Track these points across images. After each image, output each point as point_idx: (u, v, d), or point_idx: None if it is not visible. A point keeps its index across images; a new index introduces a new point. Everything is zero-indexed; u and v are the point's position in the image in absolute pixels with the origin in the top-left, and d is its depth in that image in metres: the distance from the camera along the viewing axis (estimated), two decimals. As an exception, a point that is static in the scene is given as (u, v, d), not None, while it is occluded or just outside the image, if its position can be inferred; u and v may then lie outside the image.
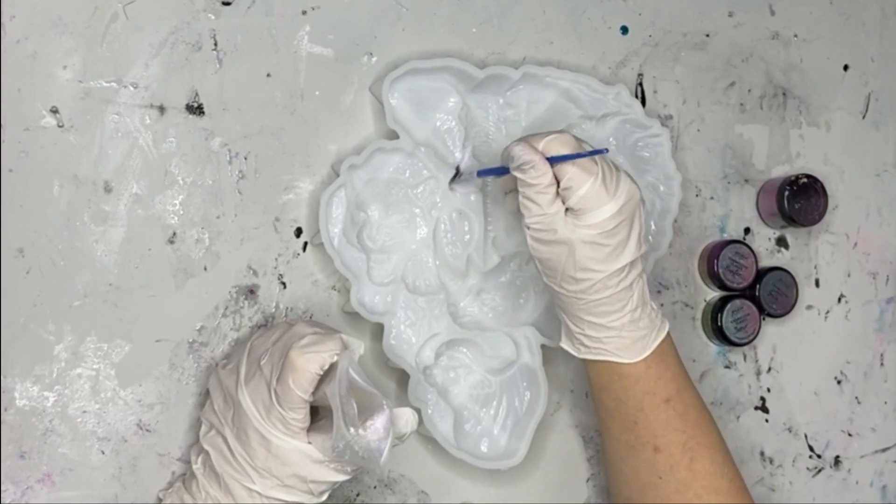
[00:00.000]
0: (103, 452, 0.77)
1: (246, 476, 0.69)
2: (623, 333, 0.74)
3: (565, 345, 0.77)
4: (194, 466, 0.73)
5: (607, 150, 0.72)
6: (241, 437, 0.69)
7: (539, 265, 0.74)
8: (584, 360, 0.77)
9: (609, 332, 0.74)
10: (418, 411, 0.80)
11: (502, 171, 0.75)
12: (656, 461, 0.76)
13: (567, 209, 0.71)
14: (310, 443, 0.68)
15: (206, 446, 0.72)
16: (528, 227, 0.72)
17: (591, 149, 0.71)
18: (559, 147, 0.71)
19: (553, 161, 0.71)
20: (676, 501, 0.76)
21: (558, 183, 0.71)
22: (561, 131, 0.72)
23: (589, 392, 0.79)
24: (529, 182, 0.71)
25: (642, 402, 0.76)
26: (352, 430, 0.65)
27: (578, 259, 0.71)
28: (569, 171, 0.70)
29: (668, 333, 0.76)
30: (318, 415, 0.70)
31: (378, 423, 0.66)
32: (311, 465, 0.68)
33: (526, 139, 0.72)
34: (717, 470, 0.76)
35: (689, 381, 0.78)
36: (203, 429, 0.74)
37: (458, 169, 0.83)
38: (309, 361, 0.66)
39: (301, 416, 0.67)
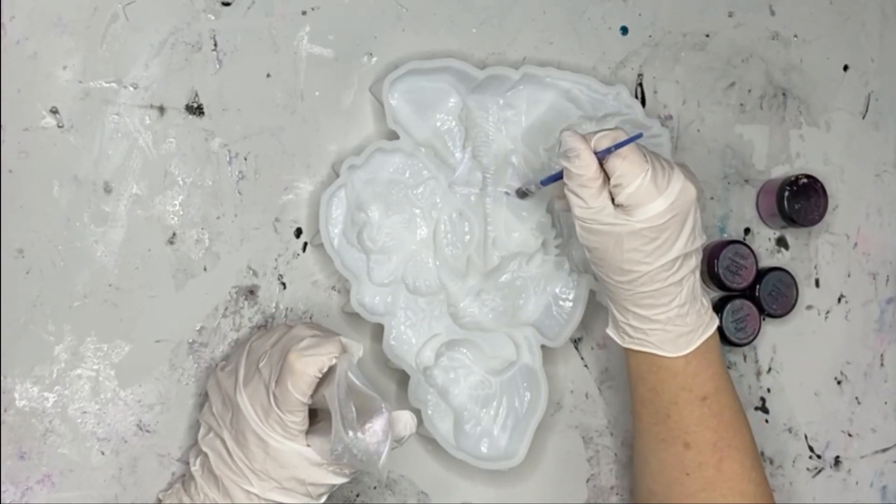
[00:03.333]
0: (103, 453, 0.77)
1: (244, 478, 0.69)
2: (668, 328, 0.74)
3: (611, 332, 0.78)
4: (193, 468, 0.73)
5: (641, 135, 0.70)
6: (239, 439, 0.69)
7: (588, 253, 0.74)
8: (625, 349, 0.77)
9: (654, 324, 0.74)
10: (418, 412, 0.80)
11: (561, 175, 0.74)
12: (685, 457, 0.76)
13: (617, 205, 0.70)
14: (308, 445, 0.68)
15: (204, 448, 0.72)
16: (576, 218, 0.72)
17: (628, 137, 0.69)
18: (608, 144, 0.70)
19: (601, 155, 0.69)
20: (701, 499, 0.75)
21: (608, 179, 0.70)
22: (615, 128, 0.71)
23: (628, 380, 0.79)
24: (573, 172, 0.70)
25: (677, 396, 0.75)
26: (350, 433, 0.65)
27: (626, 251, 0.70)
28: (619, 167, 0.69)
29: (715, 332, 0.76)
30: (316, 417, 0.70)
31: (377, 426, 0.66)
32: (309, 468, 0.68)
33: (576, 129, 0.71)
34: (746, 474, 0.76)
35: (730, 382, 0.78)
36: (202, 431, 0.74)
37: (524, 189, 0.83)
38: (308, 364, 0.66)
39: (299, 418, 0.67)
